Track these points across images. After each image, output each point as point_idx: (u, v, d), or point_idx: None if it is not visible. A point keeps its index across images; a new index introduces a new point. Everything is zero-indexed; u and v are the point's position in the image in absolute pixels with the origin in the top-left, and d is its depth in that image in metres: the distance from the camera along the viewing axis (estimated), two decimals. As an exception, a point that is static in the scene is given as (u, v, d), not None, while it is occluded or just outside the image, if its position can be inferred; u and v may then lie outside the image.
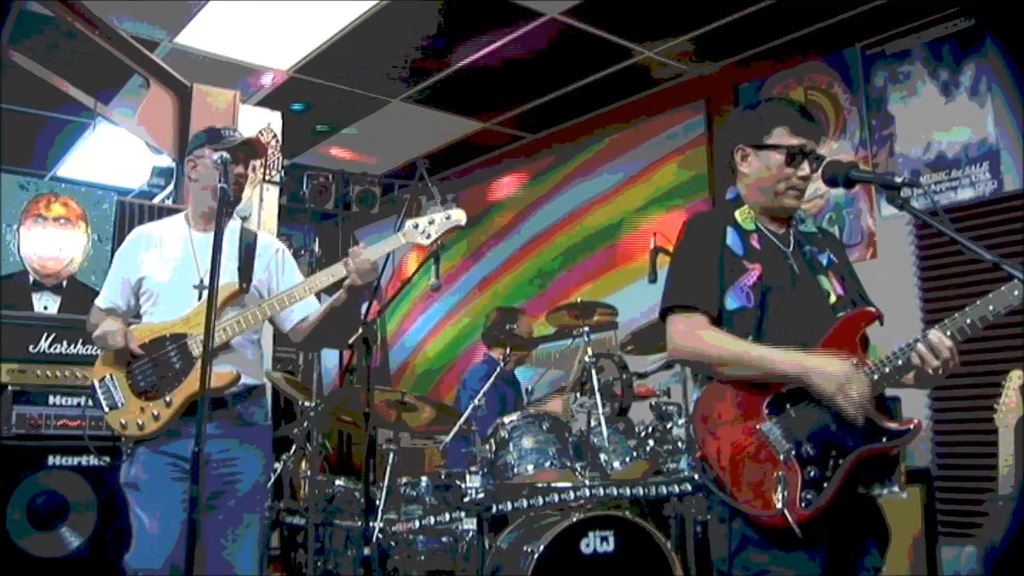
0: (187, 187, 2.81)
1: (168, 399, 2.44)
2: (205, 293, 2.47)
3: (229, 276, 2.52)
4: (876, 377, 1.84)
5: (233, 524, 2.46)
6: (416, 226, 2.52)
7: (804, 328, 1.93)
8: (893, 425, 1.85)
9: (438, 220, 2.52)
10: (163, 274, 2.58)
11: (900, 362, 1.84)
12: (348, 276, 2.48)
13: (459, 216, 2.53)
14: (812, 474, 1.82)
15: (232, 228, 2.64)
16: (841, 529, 1.88)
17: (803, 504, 1.80)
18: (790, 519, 1.78)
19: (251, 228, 2.76)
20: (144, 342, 2.49)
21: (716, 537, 1.96)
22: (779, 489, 1.80)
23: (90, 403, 2.54)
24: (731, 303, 1.98)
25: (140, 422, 2.44)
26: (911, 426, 1.84)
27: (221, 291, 2.41)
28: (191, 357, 2.45)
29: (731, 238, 2.03)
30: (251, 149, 2.68)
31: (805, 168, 2.02)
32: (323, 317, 2.61)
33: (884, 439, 1.85)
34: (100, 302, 2.68)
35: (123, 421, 2.46)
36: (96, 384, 2.52)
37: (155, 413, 2.43)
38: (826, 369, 1.83)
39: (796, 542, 1.80)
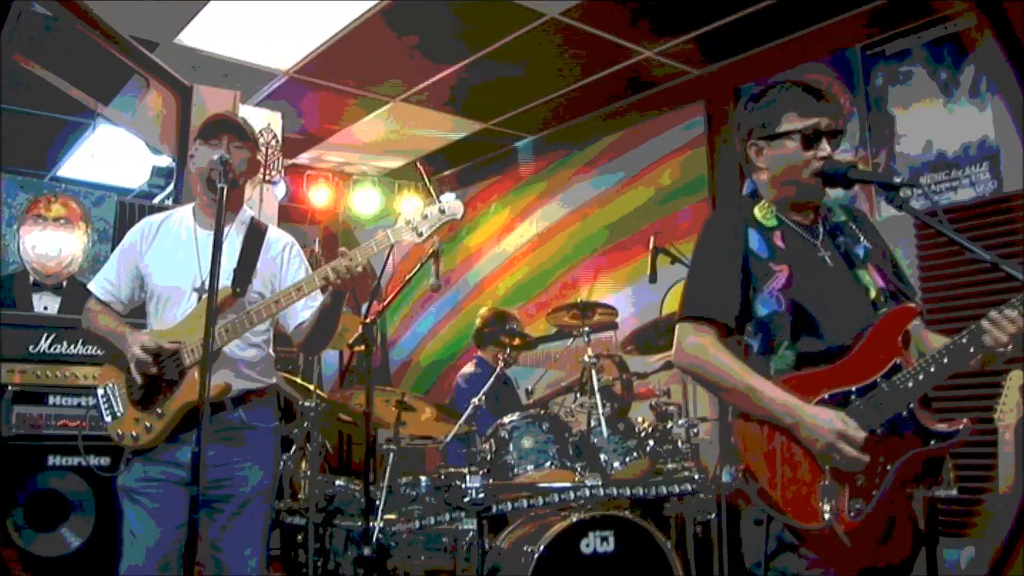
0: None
1: (160, 411, 2.35)
2: (204, 296, 2.36)
3: (226, 278, 2.34)
4: (921, 378, 1.77)
5: (231, 531, 2.39)
6: (408, 223, 2.32)
7: (843, 327, 1.86)
8: (941, 427, 1.79)
9: (431, 215, 2.30)
10: (166, 275, 2.49)
11: (947, 360, 1.77)
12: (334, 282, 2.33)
13: (455, 208, 2.31)
14: (860, 482, 1.76)
15: (240, 223, 2.53)
16: (880, 537, 1.82)
17: (852, 514, 1.75)
18: (839, 531, 1.72)
19: (262, 223, 2.61)
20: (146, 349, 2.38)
21: (750, 540, 1.89)
22: (826, 499, 1.75)
23: (92, 406, 2.50)
24: (761, 309, 1.90)
25: (134, 434, 2.37)
26: (960, 427, 1.77)
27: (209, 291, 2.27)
28: (183, 367, 2.35)
29: (753, 240, 1.95)
30: (229, 128, 2.48)
31: (825, 148, 1.94)
32: (314, 321, 2.50)
33: (933, 442, 1.78)
34: (98, 292, 2.56)
35: (120, 432, 2.40)
36: (99, 393, 2.46)
37: (148, 425, 2.36)
38: (818, 425, 1.76)
39: (841, 551, 1.74)
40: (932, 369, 1.77)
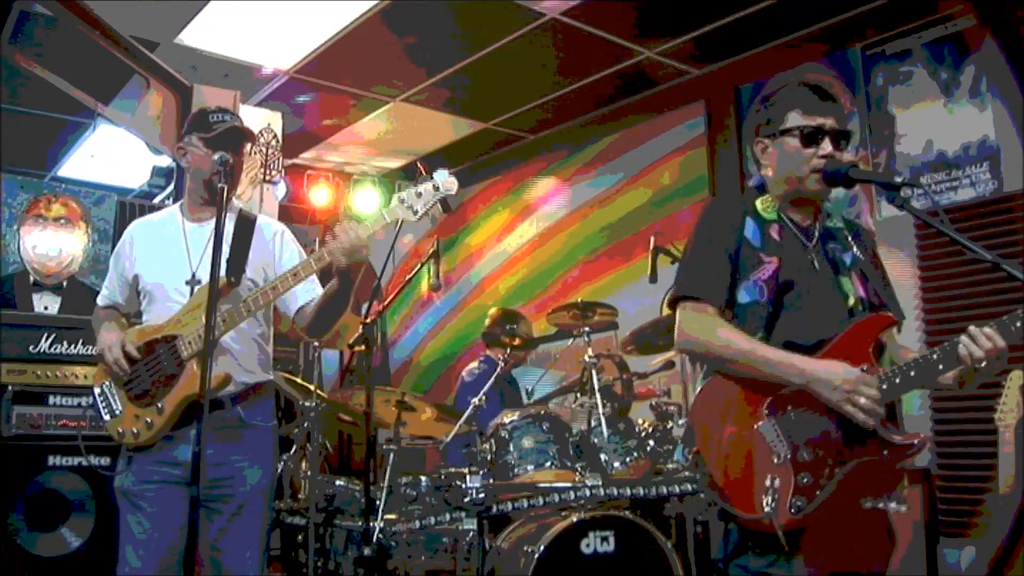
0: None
1: (160, 406, 2.33)
2: (197, 288, 2.38)
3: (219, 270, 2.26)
4: (885, 387, 1.77)
5: (230, 532, 2.37)
6: (403, 200, 2.27)
7: (816, 327, 1.87)
8: (897, 438, 1.78)
9: (425, 192, 2.26)
10: (156, 271, 2.48)
11: (913, 372, 1.77)
12: (333, 259, 2.26)
13: (449, 184, 2.27)
14: (804, 480, 1.77)
15: (230, 212, 2.46)
16: (842, 539, 1.82)
17: (792, 510, 1.75)
18: (775, 524, 1.72)
19: (250, 212, 2.57)
20: (139, 345, 2.39)
21: (716, 535, 1.92)
22: (769, 493, 1.75)
23: (90, 407, 2.48)
24: (744, 296, 1.93)
25: (135, 430, 2.35)
26: (915, 441, 1.77)
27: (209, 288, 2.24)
28: (180, 360, 2.33)
29: (749, 229, 1.98)
30: (237, 136, 2.47)
31: (826, 146, 1.94)
32: (320, 305, 2.45)
33: (886, 452, 1.77)
34: (100, 299, 2.63)
35: (120, 430, 2.39)
36: (95, 392, 2.45)
37: (148, 421, 2.33)
38: (831, 378, 1.77)
39: (791, 548, 1.75)
40: (897, 380, 1.78)
